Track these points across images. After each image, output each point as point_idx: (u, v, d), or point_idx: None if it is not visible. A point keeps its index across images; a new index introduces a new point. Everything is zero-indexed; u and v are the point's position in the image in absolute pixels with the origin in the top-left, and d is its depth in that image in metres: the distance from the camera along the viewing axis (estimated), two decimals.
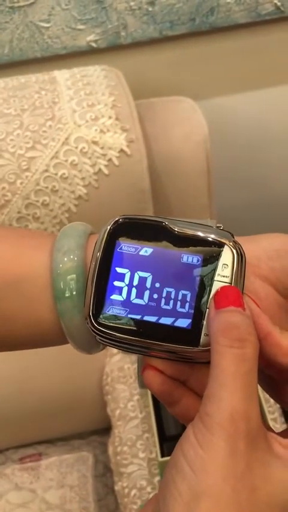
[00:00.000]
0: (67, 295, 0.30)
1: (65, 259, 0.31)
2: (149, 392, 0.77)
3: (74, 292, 0.30)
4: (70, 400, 0.87)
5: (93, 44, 0.85)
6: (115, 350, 0.87)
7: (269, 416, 0.71)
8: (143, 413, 0.78)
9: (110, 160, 0.69)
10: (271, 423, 0.71)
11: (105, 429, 0.88)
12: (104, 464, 0.88)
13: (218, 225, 0.31)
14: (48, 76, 0.77)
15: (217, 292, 0.29)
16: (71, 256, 0.31)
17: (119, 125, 0.70)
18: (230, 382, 0.25)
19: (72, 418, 0.89)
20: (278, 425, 0.72)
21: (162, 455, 0.68)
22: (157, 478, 0.71)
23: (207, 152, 0.79)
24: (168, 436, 0.71)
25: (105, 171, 0.69)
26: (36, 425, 0.89)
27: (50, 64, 0.86)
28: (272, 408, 0.73)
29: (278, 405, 0.75)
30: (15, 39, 0.83)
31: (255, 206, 1.13)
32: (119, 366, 0.85)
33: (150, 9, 0.83)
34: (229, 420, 0.25)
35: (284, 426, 0.73)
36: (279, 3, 0.86)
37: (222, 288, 0.29)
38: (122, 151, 0.70)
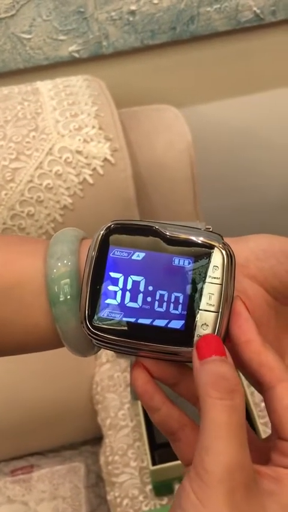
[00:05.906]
0: (61, 299, 0.31)
1: (59, 264, 0.31)
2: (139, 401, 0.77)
3: (69, 297, 0.31)
4: (61, 411, 0.86)
5: (75, 55, 0.86)
6: (104, 359, 0.87)
7: (259, 421, 0.71)
8: (134, 421, 0.78)
9: (94, 169, 0.70)
10: (262, 428, 0.71)
11: (96, 439, 0.88)
12: (96, 474, 0.87)
13: (207, 226, 0.32)
14: (31, 86, 0.77)
15: (198, 341, 0.29)
16: (65, 261, 0.31)
17: (103, 135, 0.70)
18: (225, 434, 0.26)
19: (63, 429, 0.89)
20: (268, 430, 0.72)
21: (154, 464, 0.68)
22: (149, 487, 0.71)
23: (191, 159, 0.79)
24: (159, 444, 0.71)
25: (90, 180, 0.70)
26: (27, 436, 0.88)
27: (33, 75, 0.86)
28: (262, 413, 0.73)
29: None
30: None
31: (241, 211, 1.13)
32: (108, 375, 0.85)
33: (131, 18, 0.84)
34: (228, 473, 0.25)
35: None
36: (258, 11, 0.87)
37: (203, 337, 0.29)
38: (106, 160, 0.70)
